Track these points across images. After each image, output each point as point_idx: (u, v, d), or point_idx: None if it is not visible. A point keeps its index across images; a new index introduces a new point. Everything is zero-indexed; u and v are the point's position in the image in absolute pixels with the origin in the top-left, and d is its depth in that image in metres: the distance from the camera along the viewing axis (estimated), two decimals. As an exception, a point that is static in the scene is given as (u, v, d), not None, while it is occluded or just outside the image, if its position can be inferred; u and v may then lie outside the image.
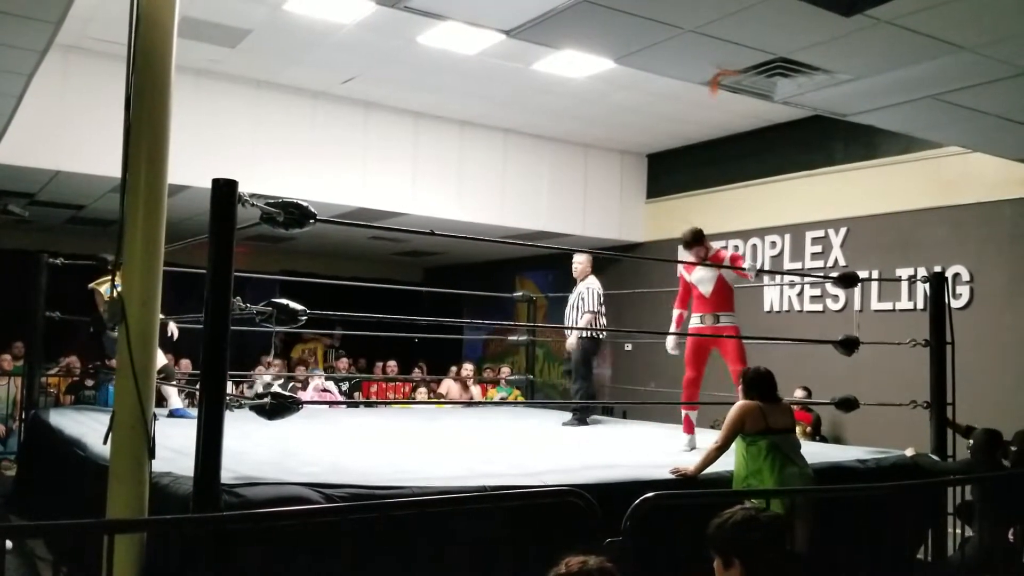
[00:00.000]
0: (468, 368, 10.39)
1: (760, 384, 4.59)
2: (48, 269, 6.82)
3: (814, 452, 5.38)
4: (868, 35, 4.61)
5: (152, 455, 3.32)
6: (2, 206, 9.28)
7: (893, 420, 6.24)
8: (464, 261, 14.07)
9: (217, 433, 3.25)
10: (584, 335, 7.18)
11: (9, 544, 4.43)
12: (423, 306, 13.85)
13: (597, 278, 7.41)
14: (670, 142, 10.51)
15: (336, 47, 7.55)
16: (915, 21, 4.44)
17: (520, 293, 9.38)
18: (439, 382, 10.48)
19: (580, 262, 7.44)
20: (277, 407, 3.69)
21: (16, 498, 6.53)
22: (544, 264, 12.28)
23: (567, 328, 7.42)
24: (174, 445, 4.16)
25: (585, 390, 7.22)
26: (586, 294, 7.27)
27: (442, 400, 9.95)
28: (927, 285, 6.04)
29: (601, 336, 7.47)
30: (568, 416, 7.41)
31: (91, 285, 6.65)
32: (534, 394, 9.27)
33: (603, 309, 7.33)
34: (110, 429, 3.33)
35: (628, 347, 10.95)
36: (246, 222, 3.54)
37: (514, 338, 9.83)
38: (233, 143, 8.34)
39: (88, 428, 5.37)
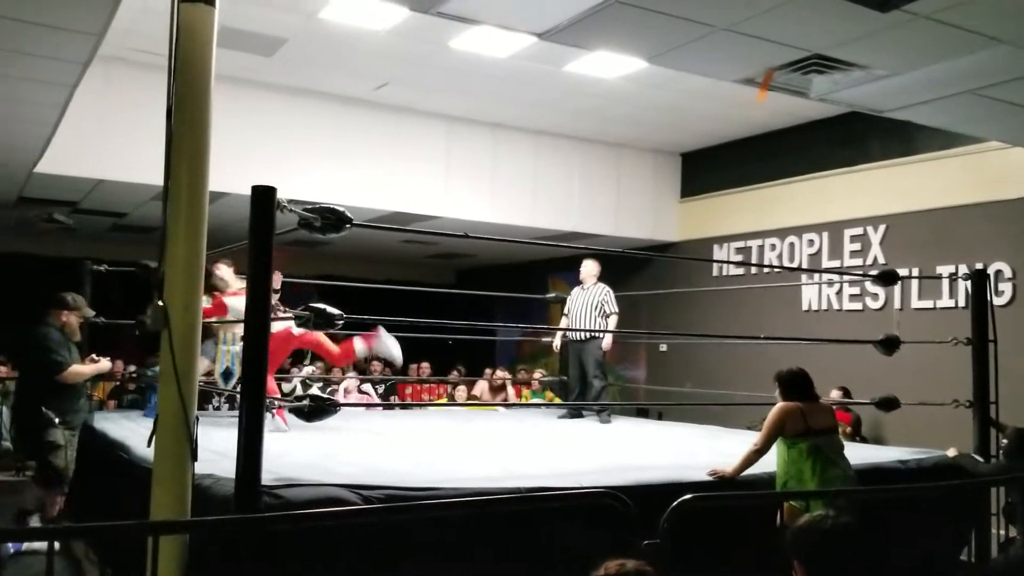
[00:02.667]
0: (501, 375, 10.44)
1: (798, 384, 4.54)
2: (92, 276, 6.95)
3: (854, 453, 5.33)
4: (905, 30, 4.57)
5: (194, 457, 3.38)
6: (47, 215, 9.50)
7: (935, 420, 6.15)
8: (497, 263, 14.10)
9: (258, 435, 3.30)
10: (599, 336, 7.70)
11: (56, 545, 4.52)
12: (456, 308, 13.90)
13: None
14: (704, 141, 10.45)
15: (370, 54, 7.61)
16: (953, 15, 4.38)
17: (553, 294, 9.38)
18: (473, 383, 10.52)
19: (591, 267, 8.00)
20: (315, 410, 3.74)
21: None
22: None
23: (600, 331, 7.74)
24: (216, 447, 4.22)
25: (606, 388, 7.84)
26: (608, 297, 7.77)
27: (476, 403, 9.98)
28: (968, 282, 5.95)
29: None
30: (564, 411, 8.00)
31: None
32: (568, 395, 9.27)
33: None
34: (154, 432, 3.39)
35: (663, 348, 10.90)
36: (284, 227, 3.59)
37: (548, 339, 9.84)
38: (270, 150, 8.44)
39: (131, 431, 5.47)
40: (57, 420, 5.72)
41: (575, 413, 7.90)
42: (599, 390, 7.67)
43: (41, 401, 5.77)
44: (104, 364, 6.22)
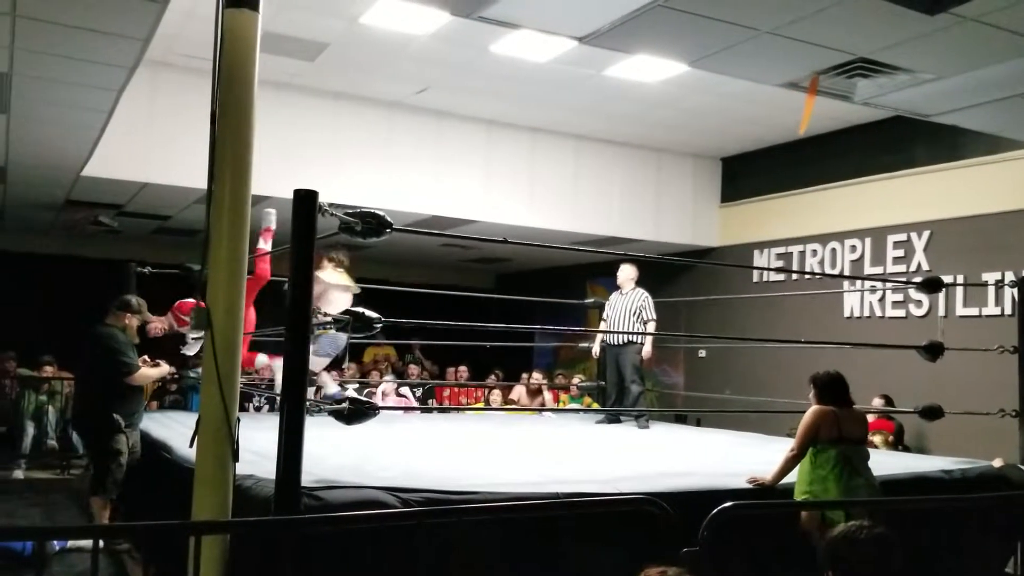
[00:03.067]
0: (537, 378, 10.43)
1: (834, 388, 4.48)
2: (136, 277, 7.07)
3: (897, 462, 5.26)
4: (953, 33, 4.49)
5: (236, 458, 3.41)
6: (93, 217, 9.66)
7: (980, 429, 6.04)
8: (536, 267, 14.10)
9: (298, 437, 3.33)
10: (637, 341, 7.70)
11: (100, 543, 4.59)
12: (494, 312, 13.89)
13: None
14: (745, 145, 10.36)
15: (411, 58, 7.66)
16: (1002, 18, 4.31)
17: (591, 300, 9.35)
18: (510, 388, 10.51)
19: (628, 271, 7.99)
20: (355, 412, 3.76)
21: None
22: (616, 270, 12.20)
23: (647, 334, 7.73)
24: (256, 448, 4.27)
25: (643, 394, 7.79)
26: (647, 303, 7.80)
27: (515, 408, 9.97)
28: (1015, 290, 5.84)
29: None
30: (601, 416, 8.09)
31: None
32: (606, 401, 9.23)
33: None
34: (196, 433, 3.44)
35: (702, 354, 10.82)
36: (325, 231, 3.62)
37: (586, 344, 9.81)
38: (312, 154, 8.52)
39: (174, 431, 5.55)
40: (124, 424, 5.64)
41: (612, 418, 7.91)
42: (636, 395, 7.67)
43: (108, 403, 5.65)
44: (165, 368, 6.22)
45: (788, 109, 8.39)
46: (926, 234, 8.61)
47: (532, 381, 10.42)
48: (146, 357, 6.16)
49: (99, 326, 5.88)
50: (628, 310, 7.85)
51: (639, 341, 7.73)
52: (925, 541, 4.34)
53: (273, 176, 7.18)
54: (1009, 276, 7.29)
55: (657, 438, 6.88)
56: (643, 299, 7.84)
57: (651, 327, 7.77)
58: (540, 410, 9.27)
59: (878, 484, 4.42)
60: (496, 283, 15.32)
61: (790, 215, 10.01)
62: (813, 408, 4.43)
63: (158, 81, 7.80)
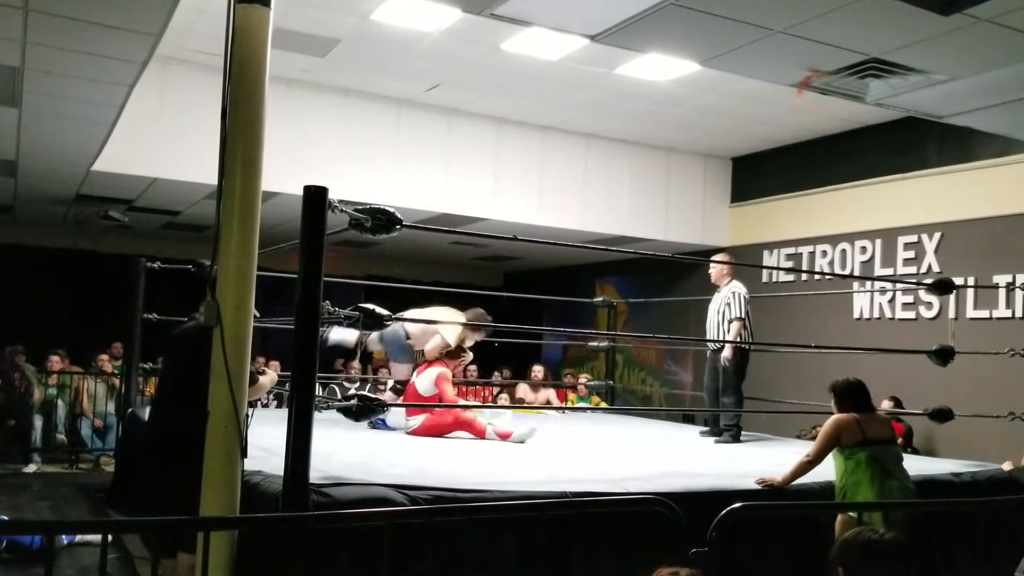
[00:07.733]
0: (538, 370, 10.37)
1: (854, 395, 4.47)
2: (145, 273, 7.08)
3: (906, 465, 5.22)
4: (967, 34, 4.46)
5: (244, 454, 3.41)
6: (103, 212, 9.69)
7: (989, 432, 6.01)
8: (544, 265, 14.08)
9: (306, 434, 3.33)
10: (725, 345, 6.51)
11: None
12: (503, 310, 13.86)
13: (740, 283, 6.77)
14: (756, 145, 10.32)
15: (421, 55, 7.65)
16: (1016, 19, 4.28)
17: (600, 298, 9.33)
18: (515, 386, 10.52)
19: (717, 265, 6.89)
20: (363, 409, 3.76)
21: (114, 494, 6.78)
22: (625, 269, 12.21)
23: (710, 341, 6.73)
24: (265, 445, 4.27)
25: (737, 404, 6.59)
26: (732, 299, 6.59)
27: (523, 407, 9.96)
28: (1027, 292, 5.81)
29: (747, 347, 6.63)
30: (706, 428, 7.02)
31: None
32: (614, 400, 9.22)
33: (750, 315, 6.65)
34: (203, 426, 3.43)
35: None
36: (334, 227, 3.62)
37: (594, 343, 9.77)
38: (322, 150, 8.52)
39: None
40: None
41: (715, 430, 6.82)
42: (729, 406, 6.56)
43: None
44: (274, 375, 4.78)
45: (799, 109, 8.37)
46: (937, 236, 8.57)
47: (533, 377, 10.42)
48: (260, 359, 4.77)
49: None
50: (715, 310, 6.72)
51: (733, 344, 6.48)
52: (934, 544, 4.32)
53: (283, 172, 7.19)
54: (1020, 279, 7.25)
55: (666, 437, 6.85)
56: (729, 295, 6.62)
57: (734, 328, 6.50)
58: (551, 408, 9.26)
59: (913, 485, 4.40)
60: (505, 282, 15.32)
61: (800, 215, 9.98)
62: (833, 418, 4.41)
63: (169, 76, 7.81)
